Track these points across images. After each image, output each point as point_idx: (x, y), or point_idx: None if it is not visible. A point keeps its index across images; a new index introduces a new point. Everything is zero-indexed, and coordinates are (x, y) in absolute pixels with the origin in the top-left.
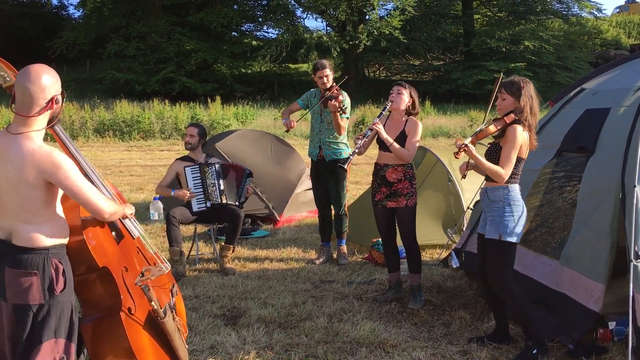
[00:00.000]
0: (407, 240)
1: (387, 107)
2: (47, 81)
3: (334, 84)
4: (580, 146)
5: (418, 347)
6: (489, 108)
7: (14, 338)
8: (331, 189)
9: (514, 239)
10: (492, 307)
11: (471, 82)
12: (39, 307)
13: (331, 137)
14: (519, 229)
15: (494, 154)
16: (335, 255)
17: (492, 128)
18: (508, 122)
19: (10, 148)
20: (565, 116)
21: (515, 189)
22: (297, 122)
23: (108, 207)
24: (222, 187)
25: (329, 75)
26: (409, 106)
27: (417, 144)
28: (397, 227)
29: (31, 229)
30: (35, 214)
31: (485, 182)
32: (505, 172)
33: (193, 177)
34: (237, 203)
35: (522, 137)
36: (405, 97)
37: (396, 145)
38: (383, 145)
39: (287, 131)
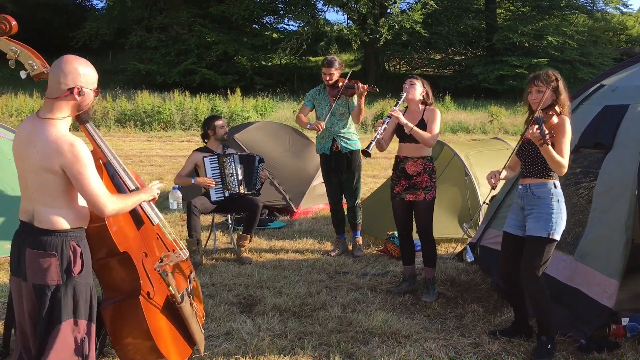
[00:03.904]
0: (423, 234)
1: (402, 97)
2: (72, 68)
3: (340, 77)
4: (598, 142)
5: (430, 339)
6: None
7: (34, 317)
8: (347, 181)
9: (558, 237)
10: (513, 302)
11: (492, 77)
12: (56, 288)
13: (345, 128)
14: (564, 225)
15: (532, 150)
16: (350, 247)
17: (555, 119)
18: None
19: (36, 132)
20: (583, 112)
21: (559, 184)
22: (310, 117)
23: (111, 206)
24: (240, 177)
25: (333, 74)
26: (424, 96)
27: (438, 129)
28: (413, 220)
29: (51, 212)
30: (54, 199)
31: (522, 178)
32: (566, 163)
33: (212, 167)
34: (253, 191)
35: (570, 127)
36: (418, 87)
37: (417, 129)
38: (403, 136)
39: (318, 132)
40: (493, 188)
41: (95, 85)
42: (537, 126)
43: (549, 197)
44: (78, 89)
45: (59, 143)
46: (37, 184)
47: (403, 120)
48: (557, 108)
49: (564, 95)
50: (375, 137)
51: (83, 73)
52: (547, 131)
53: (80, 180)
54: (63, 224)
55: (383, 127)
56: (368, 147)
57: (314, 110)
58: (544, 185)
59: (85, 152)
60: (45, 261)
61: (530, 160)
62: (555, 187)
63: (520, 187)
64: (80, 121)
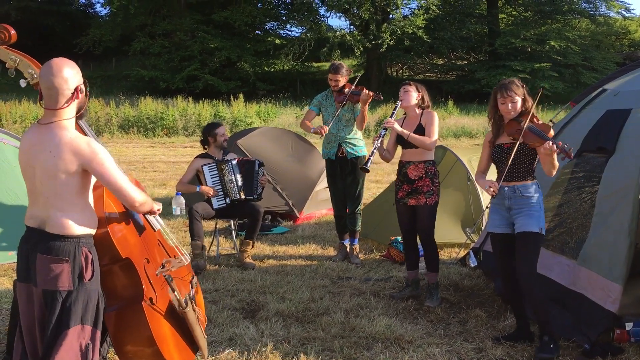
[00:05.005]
0: (424, 239)
1: (398, 106)
2: (68, 72)
3: (347, 82)
4: (600, 147)
5: (433, 344)
6: (534, 104)
7: (44, 323)
8: (350, 186)
9: (544, 232)
10: (513, 304)
11: (495, 82)
12: (68, 294)
13: (350, 134)
14: None
15: (525, 154)
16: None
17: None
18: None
19: (47, 138)
20: (586, 117)
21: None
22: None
23: (139, 196)
24: (240, 183)
25: (339, 81)
26: (419, 100)
27: (437, 133)
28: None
29: (64, 217)
30: (69, 202)
31: (506, 181)
32: None
33: (211, 175)
34: (254, 196)
35: None
36: (413, 93)
37: (414, 135)
38: (404, 143)
39: (322, 137)
40: (493, 197)
41: (82, 77)
42: (550, 142)
43: (536, 195)
44: (79, 87)
45: (76, 143)
46: (53, 188)
47: (399, 129)
48: (537, 115)
49: (531, 101)
50: (373, 152)
51: (76, 72)
52: (561, 144)
53: (105, 173)
54: (76, 229)
55: (379, 141)
56: (366, 163)
57: (320, 115)
58: (530, 186)
59: (101, 147)
60: (57, 267)
61: (516, 164)
62: (538, 187)
63: (506, 188)
64: (81, 116)
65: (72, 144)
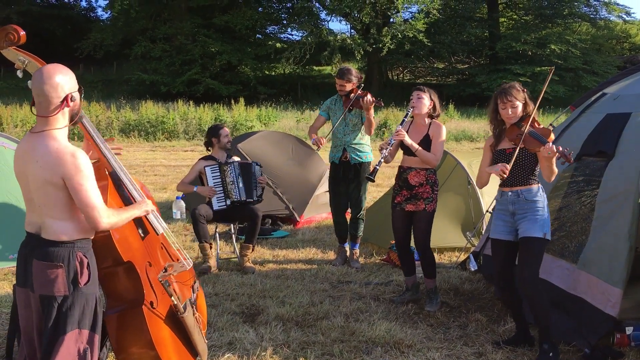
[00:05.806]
0: (421, 246)
1: (409, 113)
2: (59, 79)
3: (354, 87)
4: (600, 151)
5: (433, 348)
6: (537, 104)
7: (41, 328)
8: (353, 192)
9: (549, 237)
10: (512, 309)
11: (496, 85)
12: (63, 299)
13: (356, 139)
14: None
15: (527, 159)
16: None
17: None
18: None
19: (36, 147)
20: (585, 121)
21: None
22: (327, 137)
23: (106, 220)
24: (241, 185)
25: (345, 86)
26: (430, 109)
27: (442, 147)
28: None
29: (58, 224)
30: (61, 210)
31: (509, 186)
32: None
33: (213, 176)
34: (255, 198)
35: None
36: (425, 100)
37: (422, 150)
38: (408, 150)
39: (318, 149)
40: (503, 178)
41: (77, 84)
42: (550, 145)
43: (540, 200)
44: (69, 96)
45: (60, 155)
46: (43, 198)
47: (409, 141)
48: (538, 120)
49: (532, 106)
50: (380, 161)
51: (68, 79)
52: (561, 148)
53: (80, 191)
54: (70, 235)
55: (387, 150)
56: (372, 173)
57: (329, 120)
58: (533, 190)
59: (87, 163)
60: (52, 272)
61: (518, 168)
62: (542, 191)
63: (510, 193)
64: (75, 122)
65: (58, 156)
